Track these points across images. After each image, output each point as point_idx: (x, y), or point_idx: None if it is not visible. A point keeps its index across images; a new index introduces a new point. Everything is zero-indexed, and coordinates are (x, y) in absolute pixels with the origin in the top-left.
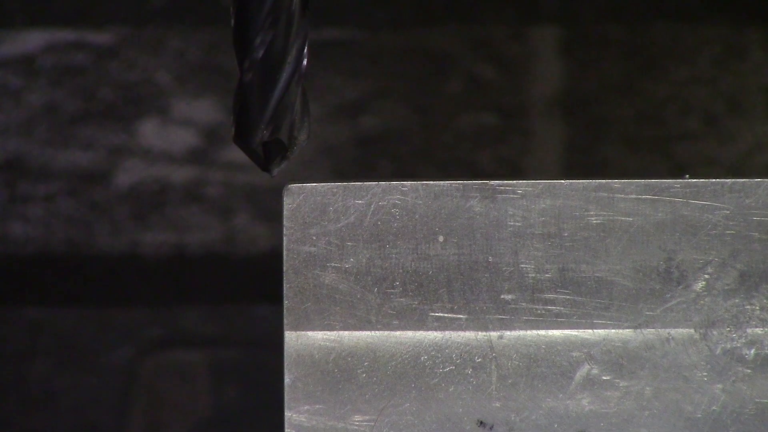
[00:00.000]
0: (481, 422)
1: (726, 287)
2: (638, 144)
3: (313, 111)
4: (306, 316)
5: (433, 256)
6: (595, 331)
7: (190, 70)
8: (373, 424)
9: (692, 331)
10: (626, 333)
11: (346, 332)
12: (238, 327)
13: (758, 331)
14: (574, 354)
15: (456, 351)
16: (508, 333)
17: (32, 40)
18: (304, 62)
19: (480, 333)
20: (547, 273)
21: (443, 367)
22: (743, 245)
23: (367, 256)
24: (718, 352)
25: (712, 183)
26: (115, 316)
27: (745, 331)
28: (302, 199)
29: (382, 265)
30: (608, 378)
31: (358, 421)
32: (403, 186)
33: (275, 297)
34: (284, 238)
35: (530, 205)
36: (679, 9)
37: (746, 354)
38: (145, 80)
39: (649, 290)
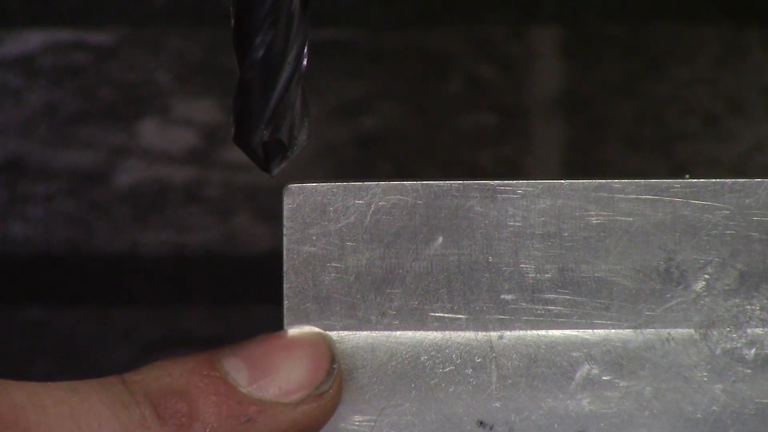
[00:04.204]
0: (481, 422)
1: (726, 287)
2: (638, 144)
3: (313, 111)
4: (306, 316)
5: (433, 256)
6: (595, 331)
7: (190, 70)
8: (373, 424)
9: (692, 331)
10: (626, 333)
11: (346, 332)
12: (239, 327)
13: (758, 331)
14: (574, 354)
15: (456, 351)
16: (508, 333)
17: (32, 40)
18: (304, 62)
19: (480, 333)
20: (547, 273)
21: (443, 367)
22: (743, 245)
23: (367, 256)
24: (718, 352)
25: (712, 183)
26: (115, 316)
27: (745, 331)
28: (302, 199)
29: (382, 265)
30: (608, 378)
31: (358, 421)
32: (403, 186)
33: (275, 297)
34: (284, 238)
35: (530, 205)
36: (679, 9)
37: (746, 354)
38: (145, 80)
39: (649, 290)
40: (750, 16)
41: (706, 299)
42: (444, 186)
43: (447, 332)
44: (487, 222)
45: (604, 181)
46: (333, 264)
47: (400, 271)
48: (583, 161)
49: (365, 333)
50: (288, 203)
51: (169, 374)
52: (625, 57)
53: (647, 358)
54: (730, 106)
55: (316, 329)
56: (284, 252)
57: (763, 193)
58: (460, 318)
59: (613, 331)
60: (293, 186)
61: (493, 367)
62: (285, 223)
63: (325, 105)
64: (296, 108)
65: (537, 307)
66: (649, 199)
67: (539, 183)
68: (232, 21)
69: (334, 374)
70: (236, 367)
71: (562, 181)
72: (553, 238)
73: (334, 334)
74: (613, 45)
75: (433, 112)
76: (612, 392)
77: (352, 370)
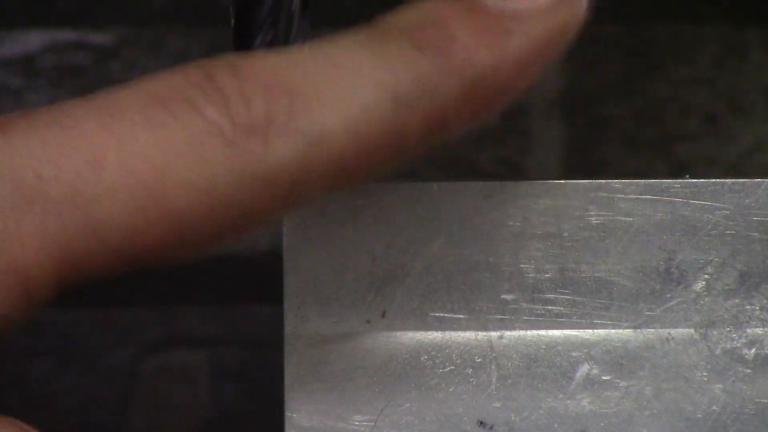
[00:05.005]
0: (481, 422)
1: (726, 287)
2: (638, 144)
3: None
4: (306, 316)
5: (433, 256)
6: (595, 331)
7: None
8: (373, 424)
9: (692, 331)
10: (626, 333)
11: (346, 332)
12: (239, 327)
13: (758, 331)
14: (574, 354)
15: (456, 351)
16: (508, 333)
17: (32, 40)
18: None
19: (480, 333)
20: (547, 273)
21: (443, 367)
22: (743, 245)
23: (368, 256)
24: (718, 352)
25: (712, 183)
26: (115, 316)
27: (745, 331)
28: None
29: (383, 265)
30: (608, 378)
31: (358, 421)
32: (404, 186)
33: (275, 297)
34: (284, 238)
35: (530, 205)
36: (679, 9)
37: (746, 354)
38: None
39: (649, 290)
40: (750, 16)
41: (706, 299)
42: (444, 186)
43: (447, 332)
44: (487, 222)
45: (604, 181)
46: (333, 264)
47: (400, 271)
48: (583, 161)
49: (365, 333)
50: None
51: (419, 10)
52: (625, 57)
53: (647, 358)
54: (730, 106)
55: None
56: (284, 252)
57: (763, 193)
58: (460, 318)
59: (613, 331)
60: None
61: (493, 367)
62: (285, 223)
63: None
64: None
65: (537, 307)
66: (649, 199)
67: (539, 183)
68: (232, 21)
69: None
70: None
71: (562, 181)
72: (553, 238)
73: (334, 334)
74: (613, 45)
75: None
76: (612, 392)
77: (352, 371)
